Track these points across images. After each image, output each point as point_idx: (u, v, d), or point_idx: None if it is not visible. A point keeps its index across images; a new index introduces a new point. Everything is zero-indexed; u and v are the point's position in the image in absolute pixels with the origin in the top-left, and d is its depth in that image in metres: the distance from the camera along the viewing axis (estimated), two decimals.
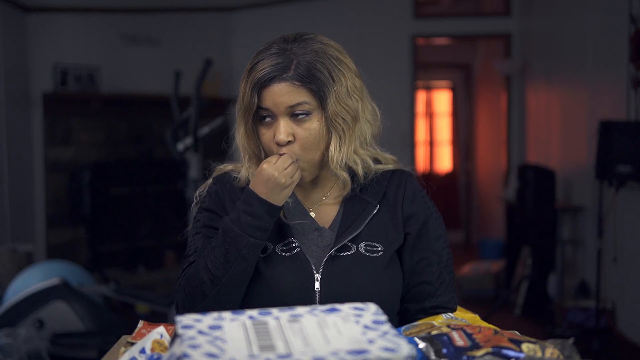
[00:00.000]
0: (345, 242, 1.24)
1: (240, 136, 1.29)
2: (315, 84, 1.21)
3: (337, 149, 1.24)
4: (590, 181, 4.00)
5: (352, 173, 1.29)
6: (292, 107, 1.21)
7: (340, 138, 1.24)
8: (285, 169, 1.18)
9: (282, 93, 1.20)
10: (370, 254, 1.25)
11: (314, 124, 1.23)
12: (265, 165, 1.19)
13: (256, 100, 1.22)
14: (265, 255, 1.24)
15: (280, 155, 1.21)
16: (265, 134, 1.25)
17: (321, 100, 1.22)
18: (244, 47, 5.68)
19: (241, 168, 1.33)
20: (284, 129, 1.22)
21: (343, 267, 1.23)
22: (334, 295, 1.21)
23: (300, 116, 1.21)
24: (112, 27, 5.39)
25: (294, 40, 1.24)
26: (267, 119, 1.23)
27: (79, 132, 5.14)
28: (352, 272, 1.23)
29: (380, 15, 5.71)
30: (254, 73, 1.22)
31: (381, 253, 1.25)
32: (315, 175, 1.28)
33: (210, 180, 1.37)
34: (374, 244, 1.26)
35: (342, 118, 1.23)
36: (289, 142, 1.22)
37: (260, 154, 1.28)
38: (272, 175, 1.18)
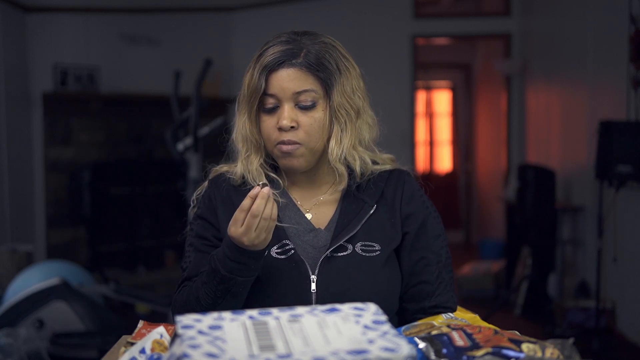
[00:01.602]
0: (341, 242, 1.24)
1: (241, 125, 1.28)
2: (324, 72, 1.22)
3: (337, 142, 1.25)
4: (590, 181, 4.00)
5: (349, 170, 1.30)
6: (298, 93, 1.22)
7: (342, 131, 1.25)
8: (254, 230, 1.11)
9: (290, 78, 1.22)
10: (367, 254, 1.24)
11: (319, 113, 1.24)
12: (232, 232, 1.13)
13: (263, 85, 1.22)
14: None
15: (259, 186, 1.13)
16: (267, 120, 1.25)
17: (327, 90, 1.23)
18: (244, 47, 5.68)
19: (235, 167, 1.33)
20: (287, 113, 1.22)
21: (339, 268, 1.23)
22: (330, 296, 1.20)
23: (305, 105, 1.22)
24: (112, 27, 5.39)
25: (304, 33, 1.27)
26: (271, 107, 1.24)
27: (79, 132, 5.14)
28: (348, 273, 1.23)
29: (380, 15, 5.71)
30: (263, 58, 1.23)
31: (378, 253, 1.25)
32: (311, 166, 1.28)
33: (205, 183, 1.37)
34: (370, 243, 1.25)
35: (346, 110, 1.25)
36: (292, 129, 1.22)
37: (262, 142, 1.28)
38: (242, 242, 1.13)
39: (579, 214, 4.40)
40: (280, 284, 1.22)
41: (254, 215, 1.10)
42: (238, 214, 1.11)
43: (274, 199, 1.14)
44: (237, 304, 1.20)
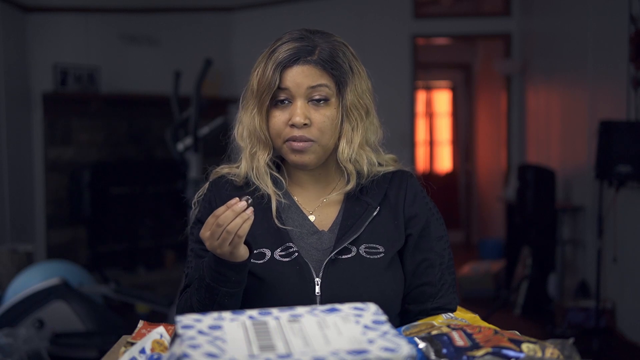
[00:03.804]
0: (345, 244, 1.23)
1: (249, 120, 1.27)
2: (338, 70, 1.23)
3: (348, 141, 1.25)
4: (590, 181, 4.00)
5: (356, 171, 1.29)
6: (313, 87, 1.22)
7: (352, 130, 1.26)
8: (217, 240, 1.10)
9: (305, 74, 1.22)
10: (371, 256, 1.24)
11: (331, 111, 1.24)
12: (201, 233, 1.13)
13: (278, 80, 1.21)
14: (264, 262, 1.23)
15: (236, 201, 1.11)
16: (278, 116, 1.24)
17: (340, 88, 1.24)
18: (244, 47, 5.68)
19: (236, 169, 1.32)
20: (301, 110, 1.22)
21: (343, 271, 1.22)
22: (334, 298, 1.19)
23: (319, 101, 1.22)
24: (112, 27, 5.39)
25: (316, 32, 1.27)
26: (283, 102, 1.23)
27: (79, 132, 5.14)
28: (352, 275, 1.22)
29: (380, 15, 5.71)
30: (277, 54, 1.23)
31: (382, 255, 1.24)
32: (321, 163, 1.27)
33: (206, 185, 1.36)
34: (374, 245, 1.25)
35: (357, 110, 1.25)
36: (304, 125, 1.22)
37: (270, 138, 1.27)
38: (207, 245, 1.13)
39: (579, 214, 4.40)
40: (285, 287, 1.21)
41: (218, 225, 1.09)
42: (210, 218, 1.11)
43: (251, 214, 1.10)
44: (231, 309, 1.19)
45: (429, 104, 7.91)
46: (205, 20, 5.80)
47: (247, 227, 1.09)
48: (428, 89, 7.91)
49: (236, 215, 1.08)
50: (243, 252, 1.14)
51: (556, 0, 4.89)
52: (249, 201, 1.11)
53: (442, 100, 8.00)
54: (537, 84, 5.35)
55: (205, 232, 1.12)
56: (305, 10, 5.67)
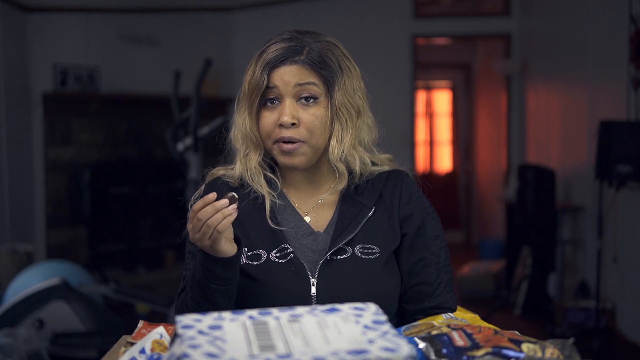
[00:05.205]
0: (340, 245, 1.23)
1: (241, 122, 1.27)
2: (326, 69, 1.23)
3: (339, 141, 1.25)
4: (590, 181, 4.00)
5: (349, 170, 1.29)
6: (300, 85, 1.22)
7: (342, 129, 1.25)
8: (197, 232, 1.11)
9: (293, 74, 1.22)
10: (366, 257, 1.24)
11: (320, 110, 1.23)
12: (187, 226, 1.14)
13: (265, 80, 1.22)
14: (260, 263, 1.23)
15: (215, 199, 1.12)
16: (268, 117, 1.24)
17: (329, 88, 1.23)
18: (244, 47, 5.68)
19: (231, 171, 1.32)
20: (289, 109, 1.22)
21: (339, 271, 1.22)
22: (330, 299, 1.19)
23: (307, 100, 1.22)
24: (112, 27, 5.39)
25: (306, 32, 1.27)
26: (273, 102, 1.23)
27: (79, 132, 5.14)
28: (348, 276, 1.22)
29: (380, 15, 5.71)
30: (265, 54, 1.23)
31: (377, 255, 1.25)
32: (312, 163, 1.27)
33: (202, 187, 1.36)
34: (370, 246, 1.25)
35: (347, 109, 1.25)
36: (292, 125, 1.22)
37: (261, 140, 1.28)
38: (190, 237, 1.14)
39: (579, 214, 4.40)
40: (280, 288, 1.22)
41: (198, 219, 1.10)
42: (191, 213, 1.12)
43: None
44: (226, 308, 1.19)
45: (429, 104, 7.91)
46: (205, 20, 5.80)
47: (226, 222, 1.10)
48: (428, 89, 7.91)
49: (216, 211, 1.09)
50: (226, 247, 1.14)
51: (556, 0, 4.89)
52: (233, 198, 1.10)
53: (442, 100, 8.00)
54: (537, 84, 5.35)
55: (188, 225, 1.13)
56: (305, 10, 5.67)
